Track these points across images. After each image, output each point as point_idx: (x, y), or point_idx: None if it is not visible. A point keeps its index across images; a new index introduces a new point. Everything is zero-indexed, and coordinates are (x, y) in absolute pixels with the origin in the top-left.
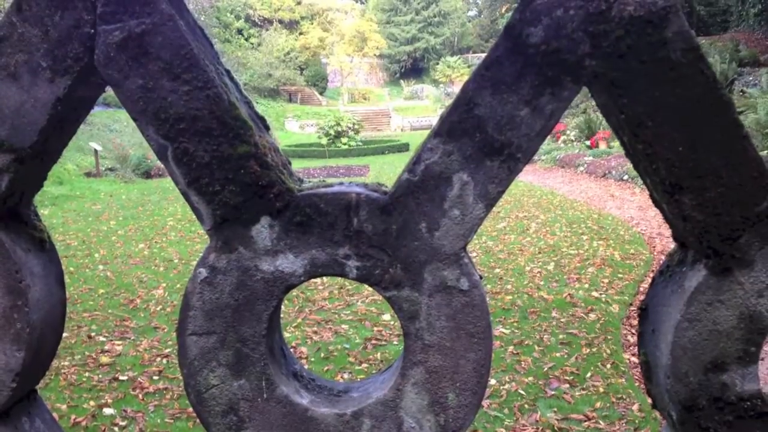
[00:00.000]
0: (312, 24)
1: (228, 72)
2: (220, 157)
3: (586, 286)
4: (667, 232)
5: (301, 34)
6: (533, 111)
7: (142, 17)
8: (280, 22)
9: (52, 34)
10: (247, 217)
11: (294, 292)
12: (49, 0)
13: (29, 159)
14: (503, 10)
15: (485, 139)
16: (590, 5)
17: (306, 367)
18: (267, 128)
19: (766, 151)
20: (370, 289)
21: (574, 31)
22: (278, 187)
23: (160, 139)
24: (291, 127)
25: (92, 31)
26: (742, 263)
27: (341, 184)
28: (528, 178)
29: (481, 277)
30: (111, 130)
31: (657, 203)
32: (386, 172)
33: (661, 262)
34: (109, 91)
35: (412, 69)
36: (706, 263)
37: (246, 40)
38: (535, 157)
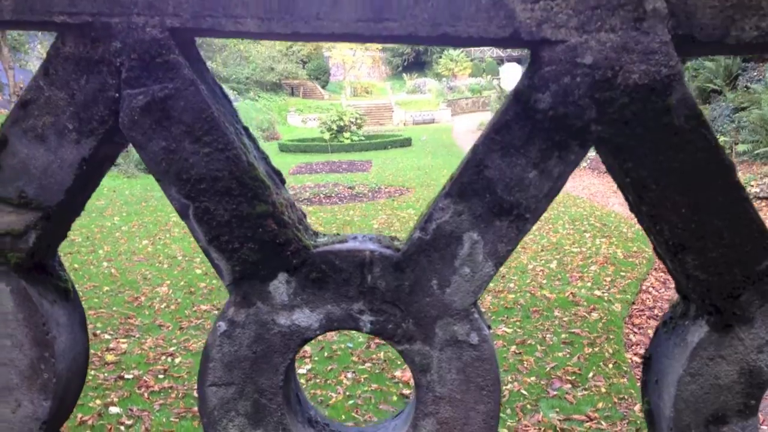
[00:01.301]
0: None
1: (246, 129)
2: (240, 216)
3: (589, 284)
4: None
5: None
6: (541, 173)
7: (165, 82)
8: None
9: (78, 97)
10: (265, 274)
11: None
12: (75, 64)
13: (55, 216)
14: None
15: (495, 200)
16: (596, 73)
17: (309, 366)
18: (282, 182)
19: None
20: None
21: (580, 98)
22: (295, 244)
23: (181, 198)
24: (293, 121)
25: (117, 95)
26: (742, 320)
27: (355, 238)
28: None
29: (489, 327)
30: None
31: (661, 257)
32: (389, 167)
33: (665, 312)
34: None
35: (415, 62)
36: (707, 319)
37: None
38: None
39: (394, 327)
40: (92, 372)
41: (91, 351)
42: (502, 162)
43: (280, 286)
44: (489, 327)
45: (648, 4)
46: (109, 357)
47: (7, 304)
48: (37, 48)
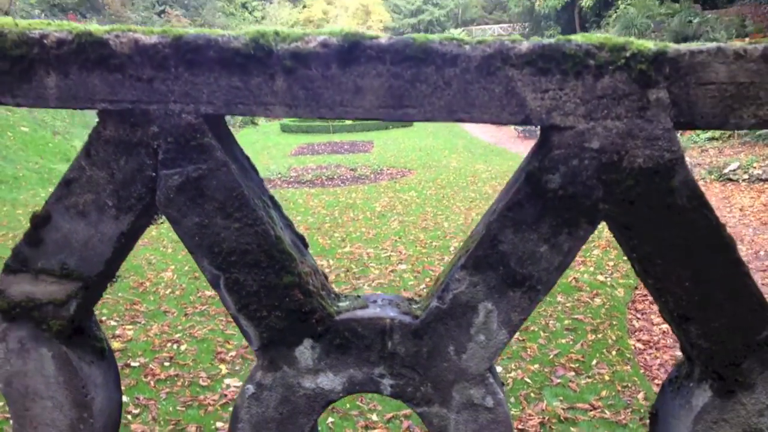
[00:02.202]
0: None
1: (272, 198)
2: (268, 287)
3: (591, 269)
4: None
5: (304, 7)
6: (552, 248)
7: (199, 163)
8: None
9: (117, 176)
10: (291, 340)
11: None
12: (115, 146)
13: (94, 285)
14: None
15: (508, 272)
16: (603, 156)
17: None
18: (306, 246)
19: None
20: (377, 271)
21: (588, 179)
22: (320, 312)
23: (213, 269)
24: None
25: (154, 174)
26: (744, 386)
27: (375, 302)
28: None
29: (502, 384)
30: None
31: (667, 321)
32: (390, 148)
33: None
34: None
35: None
36: (711, 384)
37: (250, 13)
38: (538, 131)
39: (413, 390)
40: None
41: None
42: (515, 237)
43: (305, 352)
44: (503, 384)
45: (651, 95)
46: (116, 344)
47: (49, 368)
48: None
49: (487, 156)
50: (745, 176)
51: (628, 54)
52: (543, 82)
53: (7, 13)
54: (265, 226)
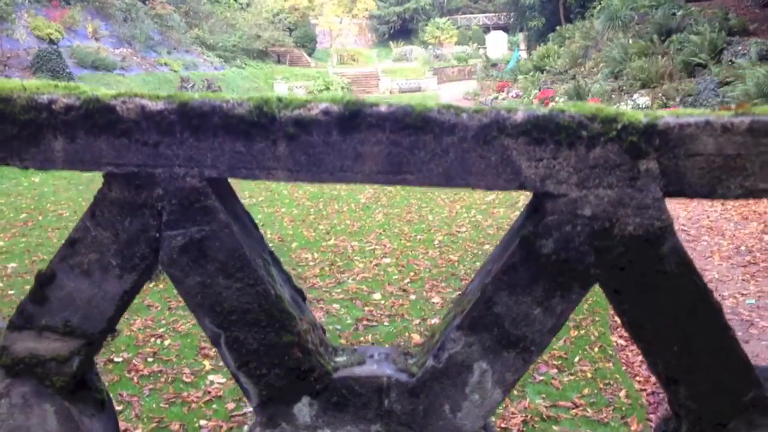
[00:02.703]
0: None
1: (271, 253)
2: (267, 345)
3: None
4: None
5: None
6: (545, 310)
7: (203, 225)
8: None
9: (121, 236)
10: (289, 398)
11: (285, 267)
12: (120, 208)
13: (97, 341)
14: None
15: (502, 333)
16: (595, 224)
17: None
18: (304, 299)
19: None
20: (361, 265)
21: (581, 245)
22: (318, 371)
23: (214, 327)
24: (280, 89)
25: (157, 234)
26: None
27: (372, 356)
28: None
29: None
30: None
31: (656, 380)
32: None
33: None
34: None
35: (401, 30)
36: None
37: (235, 0)
38: None
39: None
40: None
41: None
42: (510, 300)
43: (303, 409)
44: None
45: (642, 165)
46: None
47: (52, 423)
48: (24, 17)
49: None
50: None
51: (619, 126)
52: (537, 151)
53: None
54: (266, 285)
